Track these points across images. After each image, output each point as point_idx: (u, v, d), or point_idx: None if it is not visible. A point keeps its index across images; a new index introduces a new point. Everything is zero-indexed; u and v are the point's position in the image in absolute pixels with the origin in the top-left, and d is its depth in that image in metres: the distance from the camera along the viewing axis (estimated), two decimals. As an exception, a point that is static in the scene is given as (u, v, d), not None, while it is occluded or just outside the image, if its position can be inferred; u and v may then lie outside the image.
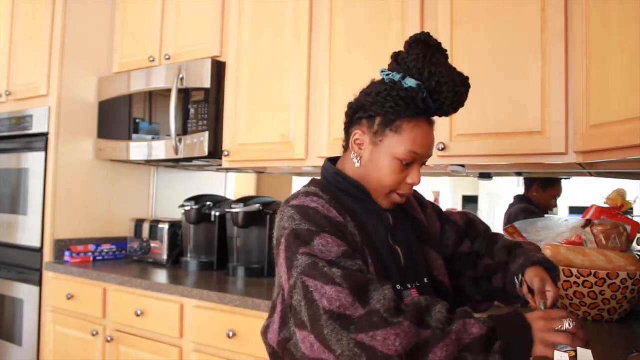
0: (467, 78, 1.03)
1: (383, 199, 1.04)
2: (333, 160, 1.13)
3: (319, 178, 1.11)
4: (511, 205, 2.71)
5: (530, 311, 0.90)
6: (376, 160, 1.02)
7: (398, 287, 1.00)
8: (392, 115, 0.99)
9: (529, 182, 2.70)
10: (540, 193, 2.67)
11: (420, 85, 0.98)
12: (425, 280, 1.06)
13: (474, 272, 1.16)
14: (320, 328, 0.84)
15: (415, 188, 1.10)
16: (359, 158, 1.05)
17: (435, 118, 1.06)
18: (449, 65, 1.00)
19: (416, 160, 1.01)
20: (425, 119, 1.01)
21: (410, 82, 0.98)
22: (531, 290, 1.00)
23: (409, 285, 1.02)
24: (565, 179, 2.61)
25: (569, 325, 0.85)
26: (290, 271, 0.92)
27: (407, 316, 0.81)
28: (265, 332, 1.06)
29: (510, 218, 2.52)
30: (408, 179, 1.02)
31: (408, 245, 1.07)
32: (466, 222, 1.24)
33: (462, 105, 1.03)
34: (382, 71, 1.03)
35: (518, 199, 2.71)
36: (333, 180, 1.07)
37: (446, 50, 1.05)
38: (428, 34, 1.02)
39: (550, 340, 0.81)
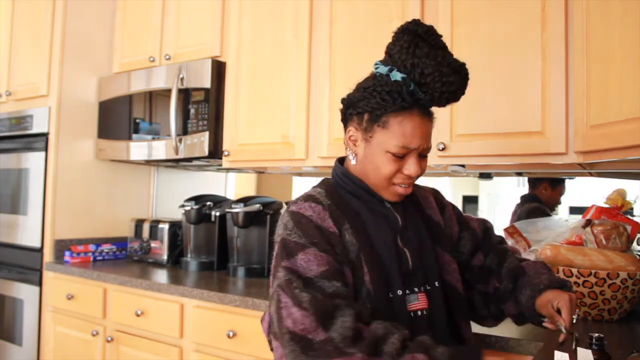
0: (462, 65, 0.99)
1: (385, 192, 1.03)
2: (343, 160, 1.12)
3: (330, 177, 1.11)
4: (519, 205, 2.70)
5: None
6: (370, 156, 1.01)
7: (400, 292, 0.99)
8: (378, 111, 0.97)
9: (536, 181, 2.70)
10: (549, 191, 2.67)
11: (405, 78, 0.95)
12: (436, 283, 1.04)
13: (484, 287, 1.15)
14: (283, 346, 0.86)
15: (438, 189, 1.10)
16: (354, 155, 1.04)
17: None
18: (437, 54, 0.96)
19: (410, 151, 0.99)
20: (417, 110, 0.98)
21: (396, 76, 0.96)
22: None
23: (415, 289, 1.01)
24: (570, 178, 2.61)
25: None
26: (272, 279, 0.95)
27: (361, 347, 0.81)
28: (262, 323, 1.09)
29: (520, 217, 2.51)
30: (404, 170, 1.00)
31: (419, 246, 1.05)
32: (483, 231, 1.22)
33: (456, 94, 0.99)
34: (375, 64, 1.02)
35: (527, 198, 2.70)
36: (341, 182, 1.06)
37: (440, 36, 1.01)
38: (418, 21, 0.99)
39: None
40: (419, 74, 0.94)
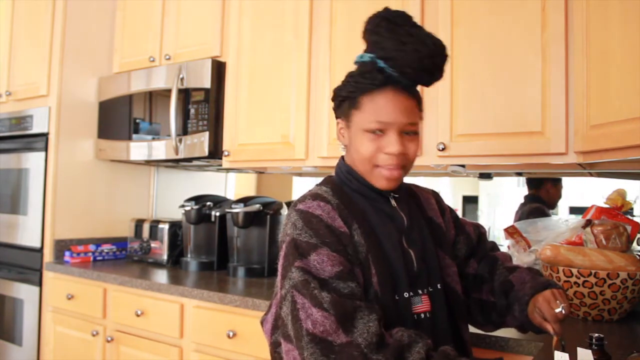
0: (428, 35, 0.96)
1: (373, 178, 1.01)
2: None
3: (333, 175, 1.10)
4: (522, 205, 2.72)
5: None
6: (353, 141, 1.01)
7: (406, 294, 0.98)
8: (353, 94, 0.98)
9: (535, 180, 2.71)
10: (551, 189, 2.69)
11: (373, 57, 0.97)
12: (439, 285, 1.04)
13: (478, 294, 1.15)
14: (301, 349, 0.84)
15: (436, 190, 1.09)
16: (343, 146, 1.06)
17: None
18: (399, 30, 0.95)
19: (388, 128, 0.96)
20: (391, 87, 0.96)
21: (365, 57, 0.98)
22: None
23: (419, 291, 1.00)
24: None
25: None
26: (283, 280, 0.93)
27: (386, 354, 0.81)
28: (262, 324, 1.08)
29: (522, 218, 2.52)
30: (384, 149, 0.97)
31: (422, 247, 1.04)
32: (478, 236, 1.22)
33: (432, 69, 0.96)
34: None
35: (529, 198, 2.72)
36: (345, 180, 1.05)
37: (411, 18, 0.99)
38: (387, 8, 1.01)
39: None
40: (381, 49, 0.95)
